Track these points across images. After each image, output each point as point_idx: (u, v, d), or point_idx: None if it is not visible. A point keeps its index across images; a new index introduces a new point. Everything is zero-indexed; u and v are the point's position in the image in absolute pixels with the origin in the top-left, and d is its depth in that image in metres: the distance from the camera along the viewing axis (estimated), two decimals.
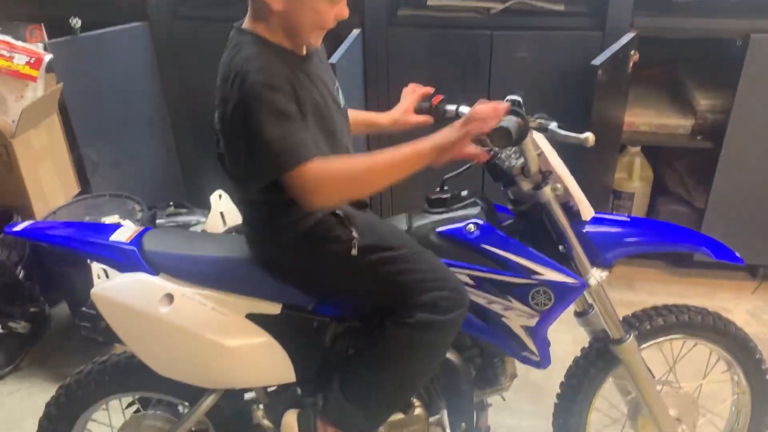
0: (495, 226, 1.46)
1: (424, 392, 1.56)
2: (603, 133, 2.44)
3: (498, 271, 1.40)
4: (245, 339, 1.44)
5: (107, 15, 2.60)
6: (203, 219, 2.44)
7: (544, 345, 1.47)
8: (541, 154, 1.42)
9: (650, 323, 1.61)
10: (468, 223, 1.43)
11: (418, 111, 1.65)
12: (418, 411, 1.52)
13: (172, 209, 2.54)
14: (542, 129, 1.37)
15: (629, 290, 2.71)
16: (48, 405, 1.62)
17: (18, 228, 1.53)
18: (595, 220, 1.50)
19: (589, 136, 1.26)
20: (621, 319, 1.56)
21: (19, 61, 2.26)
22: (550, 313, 1.42)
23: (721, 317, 1.64)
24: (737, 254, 1.52)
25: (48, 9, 2.64)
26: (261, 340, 1.45)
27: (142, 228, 1.53)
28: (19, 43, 2.30)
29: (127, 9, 2.64)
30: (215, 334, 1.42)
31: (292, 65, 1.30)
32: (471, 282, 1.41)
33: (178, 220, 2.47)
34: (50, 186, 2.42)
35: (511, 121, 1.25)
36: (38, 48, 2.34)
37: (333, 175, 1.24)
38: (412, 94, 1.64)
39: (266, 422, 1.51)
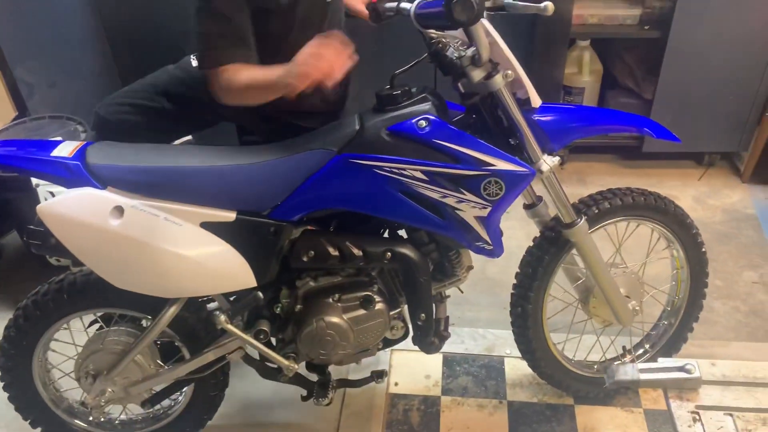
0: (446, 120, 1.46)
1: (384, 287, 1.60)
2: (552, 28, 2.42)
3: (450, 165, 1.41)
4: (201, 248, 1.44)
5: None
6: None
7: (496, 234, 1.50)
8: (490, 42, 1.40)
9: (597, 207, 1.66)
10: (419, 119, 1.42)
11: (367, 7, 1.63)
12: (379, 306, 1.56)
13: None
14: (498, 6, 1.34)
15: (581, 185, 2.77)
16: (7, 328, 1.61)
17: None
18: (543, 109, 1.51)
19: (548, 5, 1.24)
20: (571, 204, 1.61)
21: None
22: (502, 202, 1.44)
23: (660, 196, 1.71)
24: (676, 135, 1.57)
25: None
26: (218, 248, 1.45)
27: (83, 142, 1.47)
28: None
29: None
30: (170, 245, 1.41)
31: None
32: (424, 177, 1.42)
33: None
34: None
35: None
36: None
37: (235, 85, 1.39)
38: None
39: (230, 327, 1.53)
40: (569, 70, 2.65)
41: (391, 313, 1.60)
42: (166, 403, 1.78)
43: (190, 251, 1.42)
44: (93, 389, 1.63)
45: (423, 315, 1.59)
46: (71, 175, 1.41)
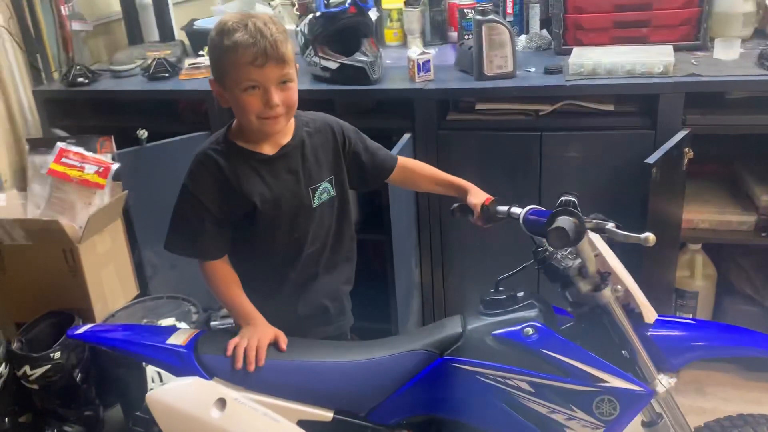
0: (554, 329, 1.42)
1: None
2: (661, 231, 2.37)
3: (559, 377, 1.35)
4: None
5: (172, 125, 2.75)
6: None
7: None
8: (598, 255, 1.39)
9: None
10: (526, 326, 1.39)
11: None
12: None
13: (225, 311, 2.56)
14: (599, 229, 1.34)
15: (700, 396, 2.54)
16: None
17: (79, 331, 1.58)
18: (659, 323, 1.44)
19: (649, 236, 1.24)
20: (693, 430, 1.46)
21: (89, 170, 2.39)
22: (617, 423, 1.35)
23: None
24: None
25: (118, 122, 2.82)
26: None
27: (197, 331, 1.54)
28: (90, 154, 2.43)
29: (190, 120, 2.79)
30: None
31: (245, 165, 1.52)
32: (530, 389, 1.36)
33: (231, 322, 2.47)
34: (111, 289, 2.48)
35: (567, 222, 1.24)
36: (107, 158, 2.47)
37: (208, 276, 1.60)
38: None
39: None
40: (681, 273, 2.56)
41: None
42: None
43: None
44: None
45: None
46: (182, 363, 1.45)
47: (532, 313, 1.43)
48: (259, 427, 1.40)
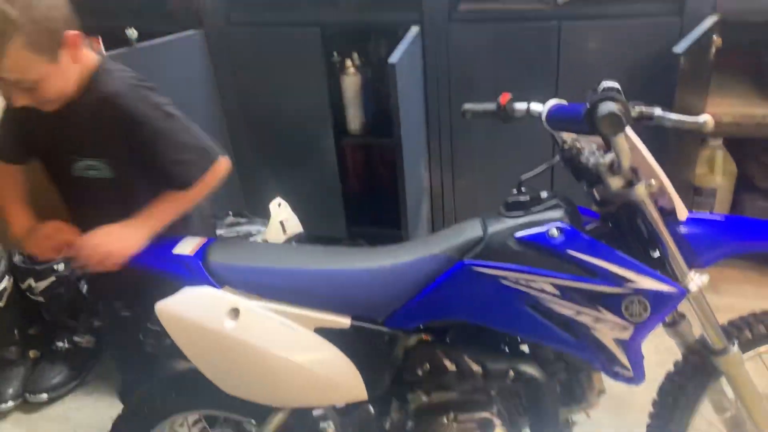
0: (580, 229, 1.34)
1: (504, 410, 1.45)
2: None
3: (586, 279, 1.28)
4: (314, 354, 1.37)
5: (163, 24, 2.59)
6: (263, 228, 2.38)
7: (638, 359, 1.34)
8: (631, 148, 1.29)
9: (750, 331, 1.46)
10: (550, 227, 1.32)
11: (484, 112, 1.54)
12: (498, 430, 1.42)
13: (231, 218, 2.49)
14: (646, 117, 1.24)
15: (714, 293, 2.51)
16: (115, 425, 1.58)
17: None
18: (689, 221, 1.37)
19: (708, 119, 1.13)
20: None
21: None
22: (647, 324, 1.29)
23: None
24: None
25: (105, 21, 2.64)
26: (330, 355, 1.37)
27: (205, 240, 1.47)
28: None
29: (182, 17, 2.62)
30: (282, 350, 1.35)
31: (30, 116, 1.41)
32: (556, 291, 1.30)
33: (238, 230, 2.42)
34: None
35: (616, 107, 1.12)
36: None
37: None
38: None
39: None
40: (700, 170, 2.48)
41: None
42: None
43: (302, 359, 1.35)
44: None
45: None
46: (190, 273, 1.39)
47: (557, 213, 1.34)
48: (275, 336, 1.35)
